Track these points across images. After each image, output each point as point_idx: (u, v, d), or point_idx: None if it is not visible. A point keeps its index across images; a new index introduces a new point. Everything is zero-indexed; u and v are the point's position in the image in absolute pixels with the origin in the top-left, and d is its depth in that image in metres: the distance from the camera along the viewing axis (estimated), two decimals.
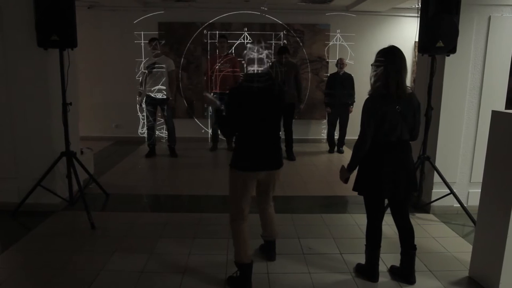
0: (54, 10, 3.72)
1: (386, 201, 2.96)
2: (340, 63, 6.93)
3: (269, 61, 2.64)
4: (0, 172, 4.19)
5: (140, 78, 6.68)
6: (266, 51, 2.75)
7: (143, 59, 6.47)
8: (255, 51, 2.74)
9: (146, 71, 6.34)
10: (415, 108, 2.69)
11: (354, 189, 2.86)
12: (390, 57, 2.61)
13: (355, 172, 2.84)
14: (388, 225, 3.25)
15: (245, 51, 2.78)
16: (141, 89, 6.55)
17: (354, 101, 7.04)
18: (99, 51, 7.65)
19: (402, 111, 2.63)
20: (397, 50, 2.65)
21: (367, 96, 2.70)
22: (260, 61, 2.72)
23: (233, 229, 2.88)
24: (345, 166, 2.89)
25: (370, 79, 2.71)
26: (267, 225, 3.20)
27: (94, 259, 3.19)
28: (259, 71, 2.72)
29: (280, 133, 6.57)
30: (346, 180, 2.89)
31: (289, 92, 6.38)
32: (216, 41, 7.26)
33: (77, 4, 3.91)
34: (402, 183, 2.72)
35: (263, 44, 2.77)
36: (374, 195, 2.79)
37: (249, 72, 2.74)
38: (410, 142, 2.80)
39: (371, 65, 2.71)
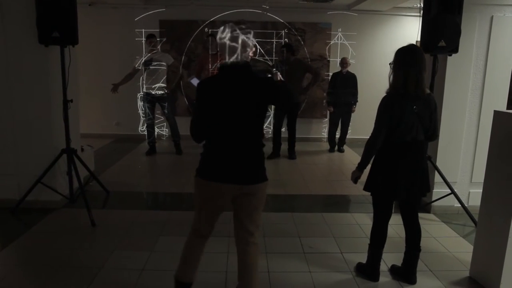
0: (55, 7, 3.71)
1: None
2: (344, 62, 6.92)
3: (249, 48, 2.20)
4: (0, 169, 4.19)
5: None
6: (243, 36, 2.18)
7: (143, 57, 6.44)
8: (229, 35, 2.19)
9: (142, 68, 6.32)
10: (431, 109, 2.66)
11: (365, 188, 2.82)
12: (410, 56, 2.58)
13: (365, 171, 2.80)
14: (390, 224, 3.24)
15: (218, 36, 2.25)
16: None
17: (357, 101, 7.04)
18: (100, 48, 7.64)
19: (419, 111, 2.60)
20: (417, 49, 2.63)
21: (384, 94, 2.68)
22: (234, 48, 2.18)
23: (186, 240, 2.48)
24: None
25: (389, 78, 2.68)
26: (243, 273, 2.36)
27: (94, 257, 3.19)
28: (235, 61, 2.19)
29: (283, 129, 6.67)
30: (356, 180, 2.82)
31: (293, 90, 6.37)
32: (206, 38, 7.04)
33: (78, 1, 3.90)
34: (417, 184, 2.70)
35: (239, 27, 2.22)
36: (388, 196, 2.76)
37: (224, 62, 2.23)
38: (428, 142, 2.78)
39: (390, 64, 2.68)
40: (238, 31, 2.18)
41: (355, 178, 2.81)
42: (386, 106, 2.62)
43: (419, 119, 2.62)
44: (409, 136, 2.63)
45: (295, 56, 6.79)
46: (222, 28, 2.22)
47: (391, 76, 2.67)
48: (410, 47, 2.65)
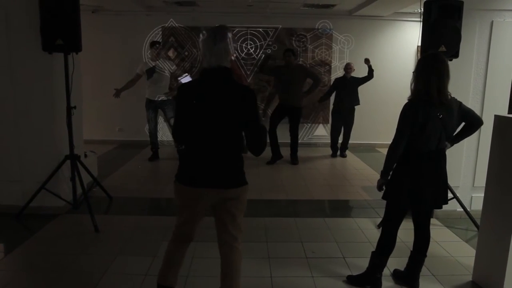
0: (59, 15, 3.74)
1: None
2: (348, 68, 6.94)
3: (229, 53, 2.18)
4: (4, 175, 4.22)
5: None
6: (224, 41, 2.16)
7: (145, 63, 6.49)
8: (210, 39, 2.17)
9: (145, 75, 6.35)
10: (455, 116, 2.64)
11: (385, 197, 2.78)
12: (433, 62, 2.57)
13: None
14: None
15: (199, 40, 2.21)
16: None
17: (358, 104, 7.05)
18: (102, 55, 7.69)
19: (443, 118, 2.58)
20: (440, 56, 2.62)
21: (406, 101, 2.66)
22: (216, 53, 2.15)
23: (168, 243, 2.49)
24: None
25: (411, 85, 2.66)
26: (225, 277, 2.33)
27: (97, 262, 3.20)
28: (214, 66, 2.17)
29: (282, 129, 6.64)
30: (380, 187, 2.77)
31: (296, 97, 6.41)
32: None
33: (82, 8, 3.94)
34: (441, 194, 2.70)
35: (220, 32, 2.19)
36: (410, 206, 2.74)
37: (204, 66, 2.22)
38: None
39: (413, 72, 2.67)
40: (218, 35, 2.16)
41: (380, 185, 2.77)
42: (410, 113, 2.59)
43: (443, 126, 2.60)
44: (433, 144, 2.62)
45: (297, 61, 6.82)
46: (202, 33, 2.21)
47: (413, 83, 2.65)
48: (431, 53, 2.66)
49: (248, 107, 2.20)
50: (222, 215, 2.31)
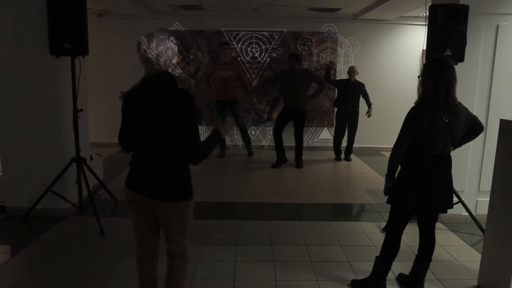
0: (66, 18, 3.78)
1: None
2: (352, 71, 6.94)
3: (171, 57, 2.10)
4: (11, 177, 4.25)
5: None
6: (164, 45, 2.07)
7: None
8: (146, 45, 2.05)
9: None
10: (461, 120, 2.64)
11: (389, 201, 2.77)
12: (441, 66, 2.57)
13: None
14: None
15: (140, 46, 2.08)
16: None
17: (371, 103, 7.03)
18: (109, 58, 7.74)
19: (449, 123, 2.57)
20: (446, 60, 2.62)
21: (413, 105, 2.66)
22: (154, 59, 2.06)
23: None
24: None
25: (418, 90, 2.66)
26: (167, 285, 2.30)
27: (103, 265, 3.22)
28: (153, 72, 2.09)
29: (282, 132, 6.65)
30: (386, 191, 2.76)
31: (301, 101, 6.42)
32: (219, 47, 7.23)
33: (88, 12, 3.97)
34: (446, 198, 2.70)
35: (158, 35, 2.08)
36: (415, 210, 2.73)
37: (146, 72, 2.13)
38: None
39: (418, 77, 2.68)
40: (154, 41, 2.06)
41: (386, 188, 2.76)
42: (415, 117, 2.59)
43: (449, 131, 2.59)
44: (438, 149, 2.62)
45: (302, 65, 6.84)
46: (143, 37, 2.09)
47: (420, 88, 2.64)
48: (438, 57, 2.67)
49: (184, 114, 2.06)
50: (163, 226, 2.24)
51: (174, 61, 2.15)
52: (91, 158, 4.99)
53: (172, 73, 2.14)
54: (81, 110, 4.15)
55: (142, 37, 2.08)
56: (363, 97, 7.00)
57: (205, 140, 2.18)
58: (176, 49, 2.13)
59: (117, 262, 3.26)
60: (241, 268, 3.21)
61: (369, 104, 7.01)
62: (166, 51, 2.08)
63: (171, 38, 2.12)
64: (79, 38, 3.85)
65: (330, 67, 7.24)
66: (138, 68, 2.28)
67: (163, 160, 2.11)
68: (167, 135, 2.06)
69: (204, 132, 8.00)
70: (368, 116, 7.05)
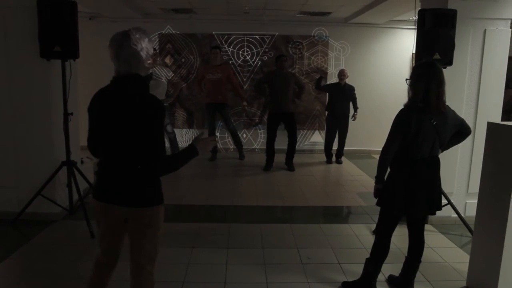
0: (56, 22, 3.77)
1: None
2: (342, 74, 6.98)
3: (142, 58, 1.97)
4: (1, 181, 4.21)
5: None
6: (132, 47, 1.94)
7: None
8: (116, 44, 1.95)
9: None
10: (449, 123, 2.66)
11: (379, 204, 2.80)
12: (431, 70, 2.60)
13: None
14: None
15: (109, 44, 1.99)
16: None
17: (357, 107, 7.11)
18: (100, 61, 7.65)
19: (437, 126, 2.61)
20: (436, 64, 2.66)
21: (402, 107, 2.69)
22: (124, 59, 1.95)
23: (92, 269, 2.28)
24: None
25: (408, 93, 2.69)
26: None
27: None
28: (123, 73, 1.97)
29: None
30: (376, 193, 2.78)
31: (288, 102, 6.45)
32: (210, 51, 7.23)
33: (79, 15, 3.96)
34: (436, 201, 2.73)
35: (130, 35, 1.94)
36: (404, 213, 2.76)
37: (116, 73, 2.01)
38: None
39: (406, 80, 2.71)
40: (126, 40, 1.94)
41: (376, 190, 2.78)
42: (403, 119, 2.63)
43: (437, 133, 2.62)
44: (426, 151, 2.65)
45: (287, 68, 6.87)
46: (114, 36, 1.98)
47: (410, 91, 2.67)
48: (428, 61, 2.71)
49: (151, 120, 1.95)
50: (131, 235, 2.10)
51: (148, 63, 2.05)
52: (82, 162, 4.96)
53: (144, 75, 2.03)
54: (72, 114, 4.14)
55: (116, 33, 1.97)
56: (351, 101, 7.07)
57: (175, 154, 2.08)
58: (151, 51, 2.04)
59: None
60: (233, 271, 3.22)
61: (355, 108, 7.10)
62: (136, 51, 1.95)
63: (146, 38, 2.00)
64: (70, 41, 3.84)
65: (319, 78, 7.27)
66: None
67: (129, 166, 1.99)
68: (132, 140, 1.95)
69: (195, 135, 8.01)
70: (353, 119, 7.13)
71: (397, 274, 3.03)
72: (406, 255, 2.95)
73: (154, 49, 6.66)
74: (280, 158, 6.74)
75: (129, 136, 1.94)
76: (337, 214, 4.85)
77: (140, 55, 1.96)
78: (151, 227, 2.09)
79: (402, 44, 7.82)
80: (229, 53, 7.78)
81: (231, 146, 7.79)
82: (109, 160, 2.04)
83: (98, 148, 2.10)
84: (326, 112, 7.38)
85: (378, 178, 2.75)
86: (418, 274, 2.96)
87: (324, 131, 7.70)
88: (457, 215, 4.13)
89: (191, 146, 2.09)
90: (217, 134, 7.61)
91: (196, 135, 2.12)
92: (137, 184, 2.01)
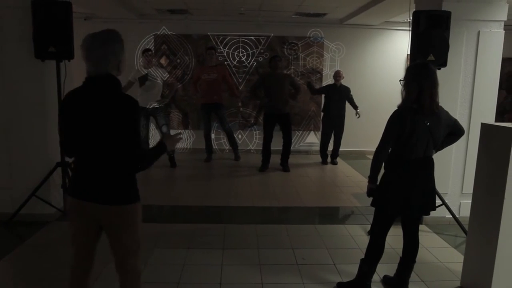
0: (51, 22, 3.77)
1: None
2: (337, 75, 7.00)
3: (115, 58, 2.03)
4: None
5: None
6: (104, 47, 1.99)
7: (137, 70, 6.50)
8: (88, 44, 1.99)
9: (137, 82, 6.32)
10: (442, 124, 2.68)
11: (373, 204, 2.80)
12: (424, 71, 2.62)
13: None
14: None
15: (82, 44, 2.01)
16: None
17: (357, 106, 7.11)
18: None
19: (431, 127, 2.62)
20: (429, 65, 2.67)
21: (396, 108, 2.70)
22: (96, 60, 1.99)
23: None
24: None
25: (401, 94, 2.70)
26: None
27: None
28: (94, 74, 2.01)
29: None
30: (369, 192, 2.78)
31: (283, 103, 6.45)
32: (205, 51, 7.23)
33: (74, 15, 3.95)
34: (428, 201, 2.74)
35: (103, 35, 2.00)
36: (399, 213, 2.78)
37: (88, 73, 2.04)
38: None
39: (400, 80, 2.72)
40: (97, 40, 1.99)
41: (369, 190, 2.79)
42: (397, 120, 2.63)
43: (431, 134, 2.64)
44: (420, 152, 2.66)
45: (282, 69, 6.88)
46: (85, 37, 2.01)
47: (404, 92, 2.68)
48: (421, 63, 2.72)
49: (124, 119, 1.97)
50: (109, 234, 2.13)
51: (120, 64, 2.09)
52: None
53: (116, 76, 2.06)
54: None
55: (88, 34, 2.01)
56: (348, 102, 7.09)
57: (148, 150, 2.14)
58: (121, 52, 2.07)
59: (102, 267, 3.22)
60: (228, 272, 3.22)
61: (355, 107, 7.09)
62: (108, 51, 1.99)
63: (117, 40, 2.05)
64: (65, 42, 3.84)
65: (309, 83, 7.26)
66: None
67: (105, 164, 2.02)
68: (107, 140, 1.98)
69: (191, 136, 8.01)
70: (358, 117, 7.09)
71: (392, 275, 3.04)
72: (401, 255, 2.96)
73: (150, 50, 6.64)
74: (275, 159, 6.75)
75: (102, 134, 1.98)
76: (332, 215, 4.86)
77: (108, 57, 2.00)
78: (129, 224, 2.11)
79: (397, 46, 7.86)
80: (225, 54, 7.79)
81: (227, 147, 7.79)
82: (84, 159, 2.07)
83: (72, 148, 2.12)
84: (322, 113, 7.39)
85: (371, 178, 2.77)
86: (413, 275, 2.97)
87: (320, 132, 7.71)
88: (451, 216, 4.15)
89: (160, 142, 2.17)
90: (213, 135, 7.60)
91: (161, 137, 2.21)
92: (114, 182, 2.04)
